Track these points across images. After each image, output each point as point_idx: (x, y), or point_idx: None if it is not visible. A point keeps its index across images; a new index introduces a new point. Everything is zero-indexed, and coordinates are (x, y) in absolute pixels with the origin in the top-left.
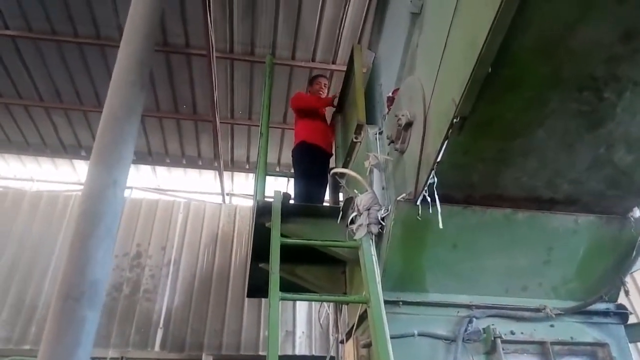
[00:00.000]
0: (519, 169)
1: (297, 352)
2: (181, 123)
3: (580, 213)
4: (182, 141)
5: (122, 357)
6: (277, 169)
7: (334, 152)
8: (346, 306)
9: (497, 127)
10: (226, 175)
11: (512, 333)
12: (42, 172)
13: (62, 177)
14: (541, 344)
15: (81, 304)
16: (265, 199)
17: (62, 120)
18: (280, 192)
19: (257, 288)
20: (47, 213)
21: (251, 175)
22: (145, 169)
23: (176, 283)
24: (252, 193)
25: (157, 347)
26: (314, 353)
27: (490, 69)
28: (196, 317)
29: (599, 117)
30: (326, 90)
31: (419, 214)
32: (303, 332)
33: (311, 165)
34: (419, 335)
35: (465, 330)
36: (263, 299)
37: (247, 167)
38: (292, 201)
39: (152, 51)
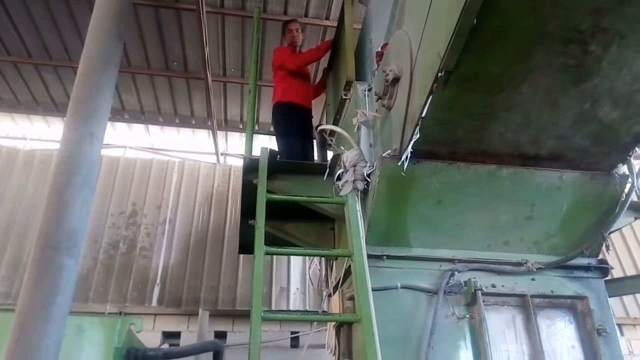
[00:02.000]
0: (503, 124)
1: (292, 307)
2: (173, 81)
3: (564, 169)
4: (174, 99)
5: (120, 312)
6: (271, 128)
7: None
8: (335, 262)
9: (482, 81)
10: (220, 134)
11: (493, 286)
12: (34, 130)
13: (55, 135)
14: (521, 296)
15: (59, 253)
16: (253, 157)
17: (53, 77)
18: (267, 149)
19: (249, 245)
20: (41, 171)
21: (245, 135)
22: (139, 128)
23: (172, 241)
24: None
25: (154, 303)
26: (307, 308)
27: (475, 21)
28: (192, 274)
29: (585, 72)
30: (300, 36)
31: (403, 171)
32: (297, 289)
33: (289, 125)
34: (402, 287)
35: (447, 283)
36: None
37: (241, 126)
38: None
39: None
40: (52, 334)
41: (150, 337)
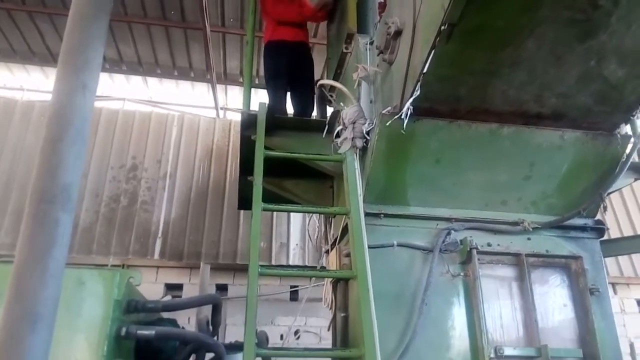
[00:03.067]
0: (507, 81)
1: (291, 262)
2: (170, 31)
3: (566, 129)
4: (172, 51)
5: (123, 265)
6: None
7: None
8: (334, 219)
9: (486, 35)
10: (220, 88)
11: (489, 245)
12: (32, 81)
13: (52, 86)
14: (516, 255)
15: (54, 207)
16: (251, 112)
17: (48, 26)
18: (265, 104)
19: (248, 200)
20: (40, 123)
21: None
22: (137, 80)
23: (173, 196)
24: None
25: (156, 256)
26: (307, 263)
27: None
28: (193, 228)
29: (592, 27)
30: None
31: (403, 128)
32: (297, 244)
33: (276, 68)
34: (398, 245)
35: (443, 242)
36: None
37: (241, 80)
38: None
39: None
40: (49, 287)
41: (153, 288)
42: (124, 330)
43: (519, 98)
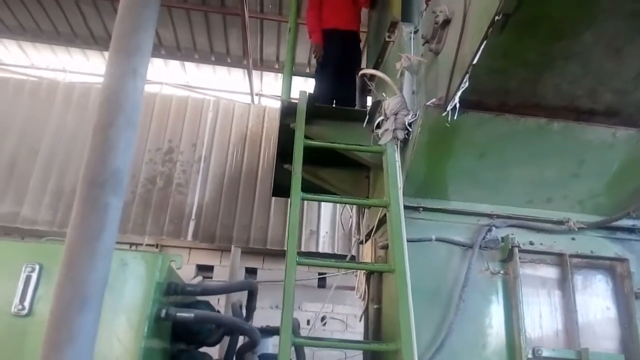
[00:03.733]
0: (560, 74)
1: (321, 249)
2: (209, 16)
3: (619, 126)
4: (210, 36)
5: (157, 244)
6: (308, 70)
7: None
8: (368, 210)
9: (542, 27)
10: (255, 74)
11: (531, 243)
12: (74, 63)
13: (93, 69)
14: (559, 255)
15: (105, 191)
16: (291, 100)
17: (91, 10)
18: (305, 92)
19: (282, 188)
20: (81, 104)
21: (281, 76)
22: (175, 64)
23: (207, 179)
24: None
25: (189, 237)
26: (336, 252)
27: None
28: (226, 212)
29: None
30: None
31: (448, 121)
32: (327, 232)
33: (327, 56)
34: (437, 240)
35: (484, 238)
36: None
37: (277, 66)
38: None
39: None
40: (98, 269)
41: (184, 269)
42: (163, 312)
43: (572, 92)
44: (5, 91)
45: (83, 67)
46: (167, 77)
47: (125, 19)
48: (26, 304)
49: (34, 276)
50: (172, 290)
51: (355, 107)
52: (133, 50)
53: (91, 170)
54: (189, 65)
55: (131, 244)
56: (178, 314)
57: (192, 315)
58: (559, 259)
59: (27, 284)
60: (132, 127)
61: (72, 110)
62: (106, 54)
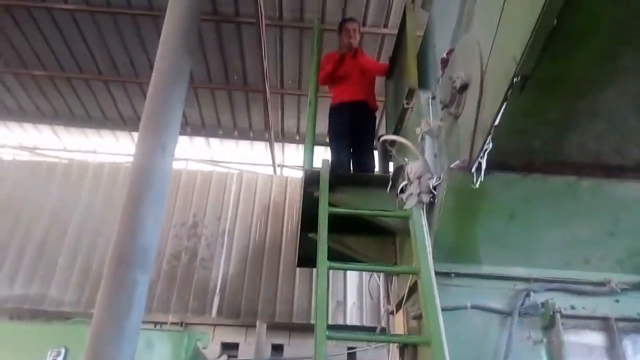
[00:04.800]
0: (584, 132)
1: (348, 321)
2: (232, 94)
3: None
4: (233, 112)
5: (181, 322)
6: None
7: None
8: (396, 277)
9: (562, 86)
10: (277, 146)
11: (573, 308)
12: (104, 144)
13: (122, 149)
14: (604, 319)
15: (133, 268)
16: (314, 169)
17: (121, 93)
18: (328, 161)
19: (307, 258)
20: (110, 183)
21: (301, 147)
22: (200, 140)
23: (231, 252)
24: (302, 164)
25: (214, 314)
26: (364, 323)
27: (555, 21)
28: (250, 285)
29: None
30: (358, 37)
31: (473, 183)
32: (354, 303)
33: (337, 129)
34: (472, 308)
35: (522, 304)
36: (314, 269)
37: (298, 138)
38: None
39: (197, 17)
40: (125, 350)
41: (209, 348)
42: None
43: (599, 149)
44: (38, 174)
45: (113, 148)
46: (192, 153)
47: (155, 97)
48: None
49: None
50: None
51: (376, 173)
52: (162, 127)
53: (120, 247)
54: (213, 140)
55: (155, 323)
56: None
57: None
58: (605, 324)
59: None
60: (161, 202)
61: (101, 189)
62: (135, 134)
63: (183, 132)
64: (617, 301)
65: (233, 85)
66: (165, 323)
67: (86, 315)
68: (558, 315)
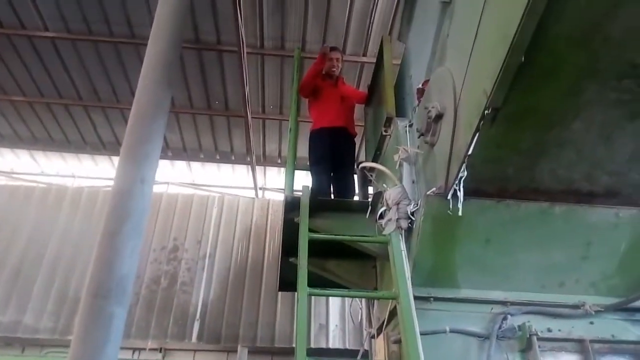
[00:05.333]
0: (555, 161)
1: (331, 345)
2: (214, 119)
3: (621, 206)
4: (215, 136)
5: (161, 348)
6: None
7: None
8: (377, 301)
9: (531, 118)
10: (259, 170)
11: (549, 330)
12: (82, 169)
13: (101, 173)
14: (580, 341)
15: (109, 301)
16: (295, 195)
17: (101, 118)
18: (308, 187)
19: (289, 282)
20: (88, 208)
21: (283, 169)
22: (181, 164)
23: (211, 276)
24: (283, 187)
25: (194, 339)
26: (347, 346)
27: (523, 58)
28: (231, 309)
29: None
30: (340, 66)
31: (449, 209)
32: (336, 326)
33: (317, 153)
34: (451, 331)
35: (500, 327)
36: (296, 293)
37: (279, 161)
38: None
39: (179, 49)
40: None
41: None
42: None
43: (569, 177)
44: (15, 199)
45: (92, 172)
46: (173, 177)
47: (135, 129)
48: None
49: None
50: None
51: (356, 199)
52: (142, 159)
53: (97, 279)
54: (195, 164)
55: (134, 349)
56: None
57: None
58: (580, 346)
59: None
60: (139, 234)
61: (79, 214)
62: (115, 158)
63: (164, 156)
64: (592, 323)
65: (214, 110)
66: (144, 349)
67: (62, 342)
68: (535, 338)
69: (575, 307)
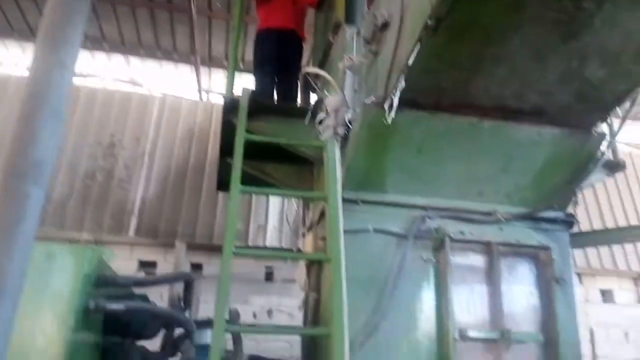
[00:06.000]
0: (489, 77)
1: (268, 244)
2: (155, 12)
3: (544, 125)
4: (156, 32)
5: (96, 241)
6: None
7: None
8: (312, 204)
9: (472, 32)
10: (204, 71)
11: (462, 233)
12: (9, 57)
13: (11, 59)
14: (487, 244)
15: (25, 182)
16: (234, 97)
17: (29, 3)
18: (248, 89)
19: (227, 183)
20: (16, 97)
21: None
22: (118, 58)
23: (151, 174)
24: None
25: (131, 233)
26: (283, 245)
27: None
28: (170, 207)
29: (576, 28)
30: None
31: (385, 118)
32: (274, 226)
33: (263, 55)
34: (374, 231)
35: (418, 229)
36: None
37: (226, 64)
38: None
39: None
40: (16, 259)
41: (126, 265)
42: (92, 303)
43: (500, 94)
44: None
45: (19, 60)
46: (111, 72)
47: (54, 10)
48: None
49: None
50: (102, 282)
51: (299, 104)
52: (61, 43)
53: (12, 161)
54: (134, 59)
55: (69, 240)
56: (108, 306)
57: (123, 306)
58: (487, 248)
59: None
60: (58, 119)
61: (6, 103)
62: (26, 45)
63: (99, 47)
64: (501, 229)
65: (156, 3)
66: (79, 241)
67: None
68: (447, 239)
69: (488, 214)
